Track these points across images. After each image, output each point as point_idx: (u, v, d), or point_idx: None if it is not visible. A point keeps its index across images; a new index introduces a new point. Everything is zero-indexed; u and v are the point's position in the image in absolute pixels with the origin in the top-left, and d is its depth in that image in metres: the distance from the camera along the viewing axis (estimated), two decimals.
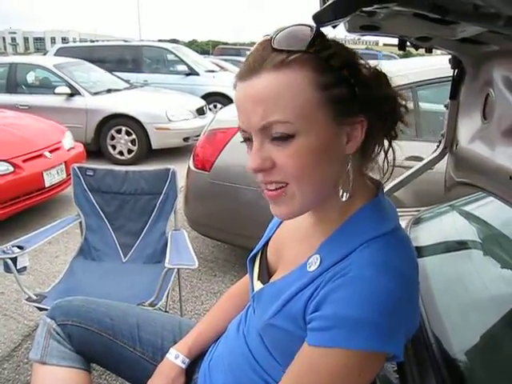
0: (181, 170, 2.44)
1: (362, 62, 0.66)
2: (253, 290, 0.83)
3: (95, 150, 5.61)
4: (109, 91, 6.04)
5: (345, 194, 0.65)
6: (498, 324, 0.94)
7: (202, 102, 6.71)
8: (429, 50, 0.97)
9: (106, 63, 7.48)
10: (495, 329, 0.93)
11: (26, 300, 1.84)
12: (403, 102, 0.69)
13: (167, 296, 1.90)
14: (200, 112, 6.32)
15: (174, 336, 1.04)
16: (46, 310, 1.81)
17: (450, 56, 1.05)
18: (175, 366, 0.95)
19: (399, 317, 0.59)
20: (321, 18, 0.53)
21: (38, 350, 0.96)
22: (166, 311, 1.91)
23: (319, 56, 0.61)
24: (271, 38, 0.61)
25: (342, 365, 0.59)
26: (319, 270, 0.65)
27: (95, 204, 2.28)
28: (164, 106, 5.86)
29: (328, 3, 0.50)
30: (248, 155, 0.66)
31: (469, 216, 1.47)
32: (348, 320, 0.58)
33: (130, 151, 5.71)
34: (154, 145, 5.69)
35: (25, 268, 1.90)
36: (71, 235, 3.23)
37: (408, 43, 0.88)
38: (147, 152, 5.72)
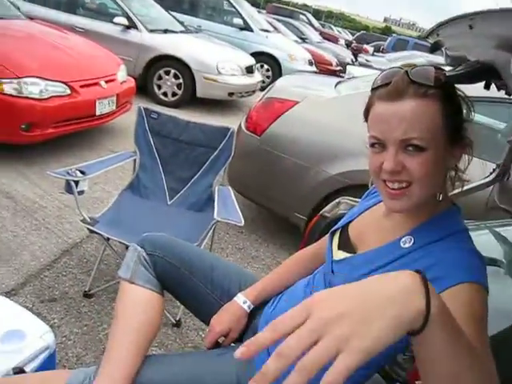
0: (220, 123, 2.48)
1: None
2: (331, 257, 0.98)
3: (140, 86, 5.65)
4: (165, 31, 6.05)
5: (440, 195, 0.83)
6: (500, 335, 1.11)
7: (252, 61, 6.71)
8: (507, 93, 1.13)
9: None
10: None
11: (81, 221, 1.98)
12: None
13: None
14: (249, 70, 6.34)
15: (240, 283, 1.20)
16: (95, 232, 1.98)
17: None
18: (242, 308, 1.13)
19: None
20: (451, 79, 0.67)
21: (128, 271, 1.12)
22: None
23: (446, 90, 0.78)
24: (406, 72, 0.77)
25: (468, 296, 0.70)
26: (413, 247, 0.82)
27: (153, 146, 2.40)
28: (216, 57, 5.89)
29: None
30: (372, 157, 0.82)
31: (498, 237, 1.61)
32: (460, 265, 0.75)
33: (174, 94, 5.79)
34: (199, 93, 5.77)
35: (83, 192, 2.02)
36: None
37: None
38: (190, 98, 5.80)
